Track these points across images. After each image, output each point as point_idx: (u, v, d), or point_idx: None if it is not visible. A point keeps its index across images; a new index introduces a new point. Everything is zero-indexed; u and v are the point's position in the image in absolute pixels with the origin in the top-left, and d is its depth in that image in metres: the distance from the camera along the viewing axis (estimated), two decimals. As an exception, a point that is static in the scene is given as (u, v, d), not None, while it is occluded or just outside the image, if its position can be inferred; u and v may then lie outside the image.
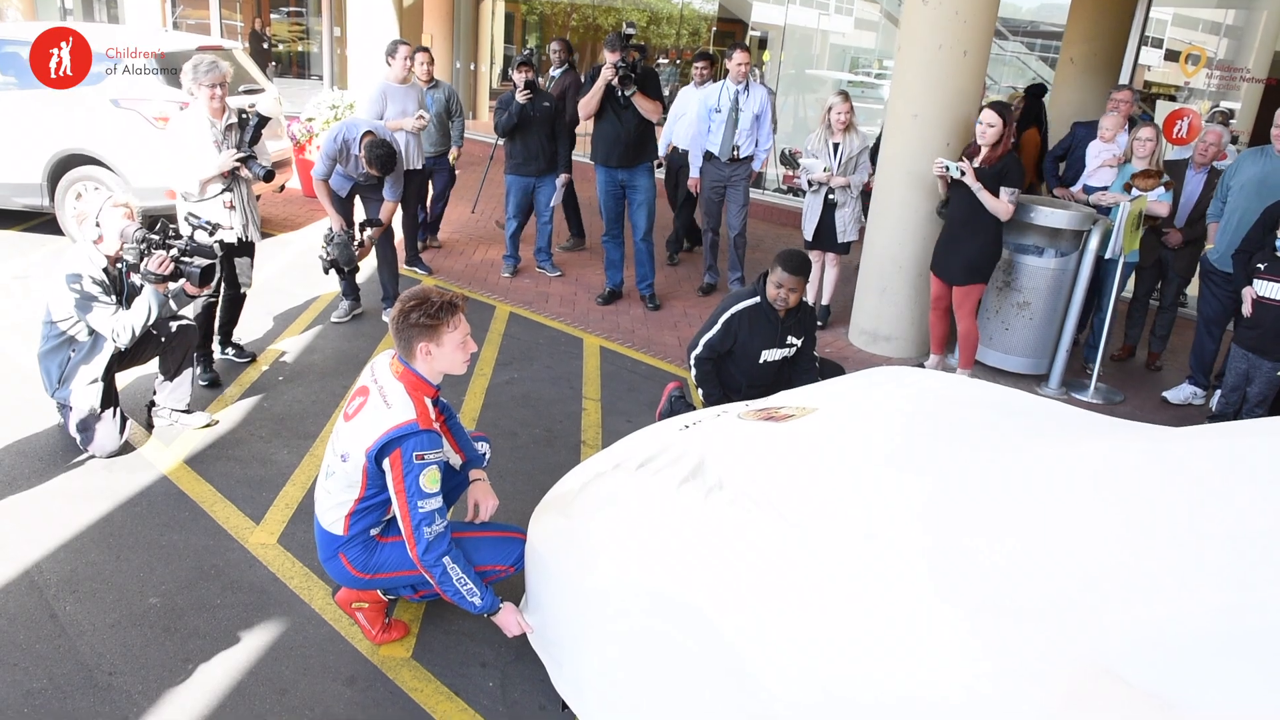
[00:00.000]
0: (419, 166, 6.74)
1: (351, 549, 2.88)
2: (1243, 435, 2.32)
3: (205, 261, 3.99)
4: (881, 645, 1.99)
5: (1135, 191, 5.39)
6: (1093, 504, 2.16)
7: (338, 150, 5.49)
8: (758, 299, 4.17)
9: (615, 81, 5.94)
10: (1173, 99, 10.72)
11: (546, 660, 2.78)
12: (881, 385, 3.36)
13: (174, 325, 4.22)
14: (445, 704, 2.81)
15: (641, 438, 3.20)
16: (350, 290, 5.96)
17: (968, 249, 5.32)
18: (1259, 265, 4.75)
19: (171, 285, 3.97)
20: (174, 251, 3.92)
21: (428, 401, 2.78)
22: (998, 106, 5.22)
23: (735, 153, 6.51)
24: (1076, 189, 6.11)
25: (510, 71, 6.91)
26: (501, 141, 6.84)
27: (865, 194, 6.20)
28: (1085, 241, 5.51)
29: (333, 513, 2.86)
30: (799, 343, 4.30)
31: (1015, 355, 5.82)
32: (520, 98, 6.39)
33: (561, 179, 6.88)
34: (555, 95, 6.87)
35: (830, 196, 6.03)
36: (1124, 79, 7.91)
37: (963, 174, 5.14)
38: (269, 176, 4.64)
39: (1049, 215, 5.45)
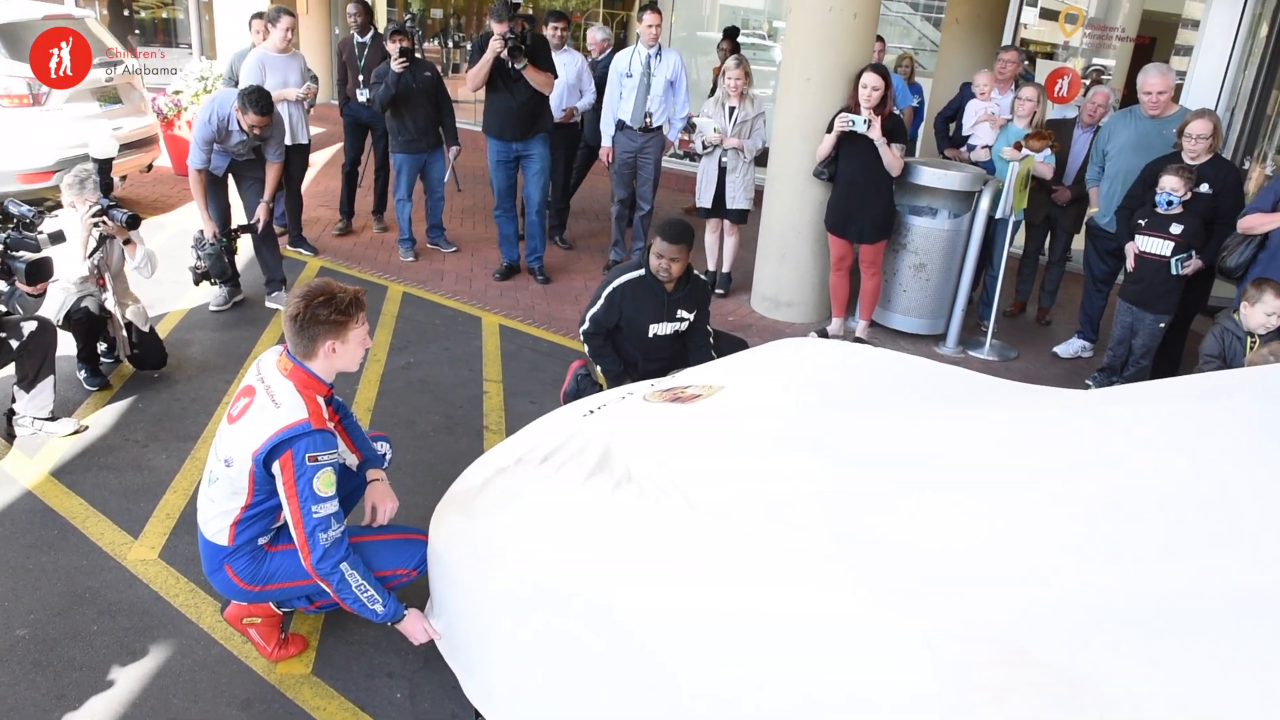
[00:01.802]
0: (305, 141, 6.39)
1: (238, 560, 2.70)
2: (1145, 400, 2.34)
3: (32, 256, 3.64)
4: (793, 634, 1.95)
5: (1025, 151, 5.49)
6: (1002, 478, 2.15)
7: (214, 132, 5.11)
8: (642, 271, 4.06)
9: (504, 54, 5.70)
10: (1050, 57, 11.03)
11: (455, 667, 2.65)
12: (787, 359, 3.32)
13: (27, 327, 3.87)
14: (350, 720, 2.67)
15: (544, 426, 3.08)
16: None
17: (875, 206, 5.39)
18: (1140, 221, 4.89)
19: (2, 285, 3.63)
20: None
21: (320, 400, 2.61)
22: (878, 69, 5.25)
23: (647, 121, 6.35)
24: (964, 149, 6.20)
25: (384, 42, 6.56)
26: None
27: None
28: (977, 202, 5.59)
29: (216, 522, 2.68)
30: (690, 317, 4.19)
31: (913, 316, 5.90)
32: (396, 67, 6.09)
33: (452, 152, 6.62)
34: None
35: (723, 160, 5.96)
36: (1007, 39, 8.05)
37: (869, 125, 5.15)
38: (134, 222, 4.20)
39: (942, 177, 5.51)
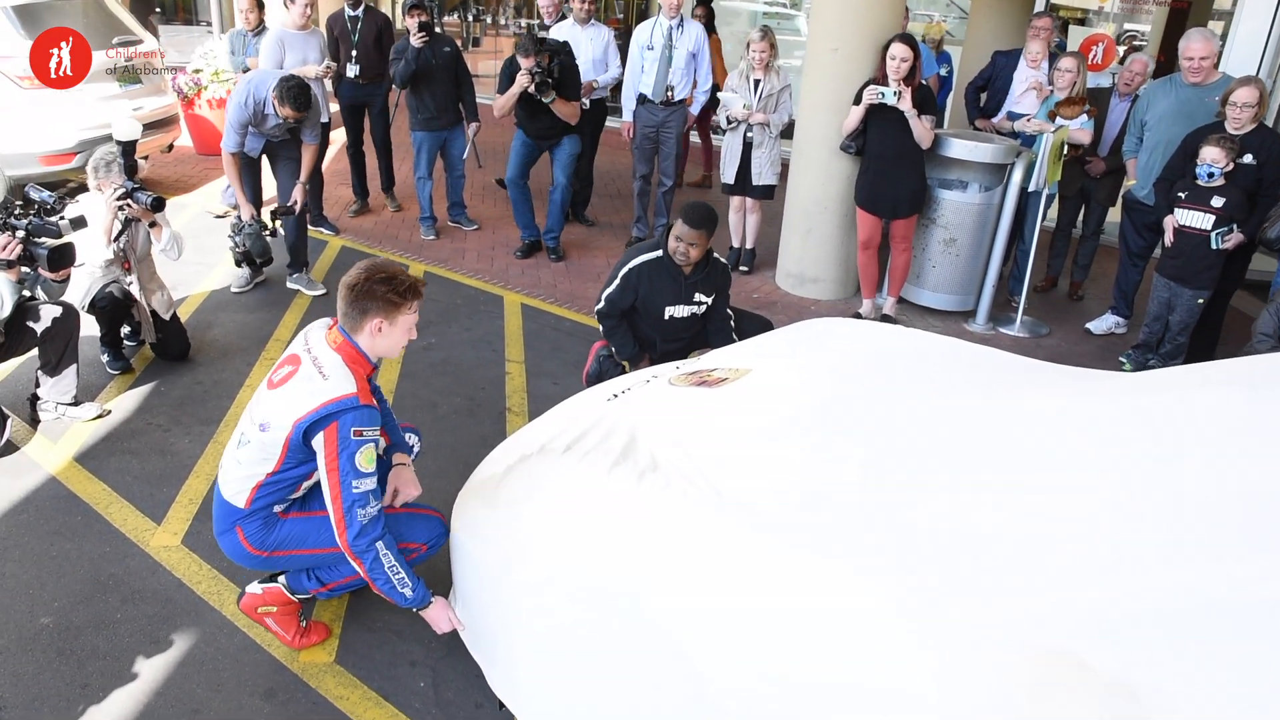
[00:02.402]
0: (326, 119, 6.32)
1: (251, 524, 2.66)
2: (1192, 386, 2.24)
3: (54, 242, 3.61)
4: (826, 630, 1.88)
5: (1059, 121, 5.33)
6: (1048, 470, 2.06)
7: (249, 115, 5.04)
8: (659, 252, 3.95)
9: (532, 89, 5.62)
10: (1082, 23, 10.74)
11: (479, 658, 2.62)
12: (813, 341, 3.23)
13: (50, 312, 3.85)
14: (374, 710, 2.64)
15: (568, 411, 3.02)
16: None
17: (909, 180, 5.28)
18: (1180, 194, 4.74)
19: (30, 270, 3.61)
20: (20, 234, 3.54)
21: (364, 376, 2.57)
22: (906, 39, 5.11)
23: (669, 94, 6.23)
24: (999, 119, 6.03)
25: (403, 16, 6.44)
26: (402, 93, 6.45)
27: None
28: (1009, 175, 5.44)
29: (238, 484, 2.62)
30: (709, 300, 4.08)
31: (943, 293, 5.78)
32: (416, 42, 5.99)
33: (472, 128, 6.54)
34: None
35: (749, 135, 5.84)
36: (1040, 4, 7.82)
37: (899, 96, 5.02)
38: (159, 205, 4.16)
39: (973, 149, 5.36)
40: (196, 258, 5.68)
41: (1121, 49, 7.89)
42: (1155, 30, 10.56)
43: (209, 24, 13.14)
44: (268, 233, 5.29)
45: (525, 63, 5.60)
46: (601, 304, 4.04)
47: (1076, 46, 7.26)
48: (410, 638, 2.90)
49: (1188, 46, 5.00)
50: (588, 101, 6.49)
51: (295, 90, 4.94)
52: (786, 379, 2.85)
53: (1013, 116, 5.83)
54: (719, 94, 5.98)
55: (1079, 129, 5.39)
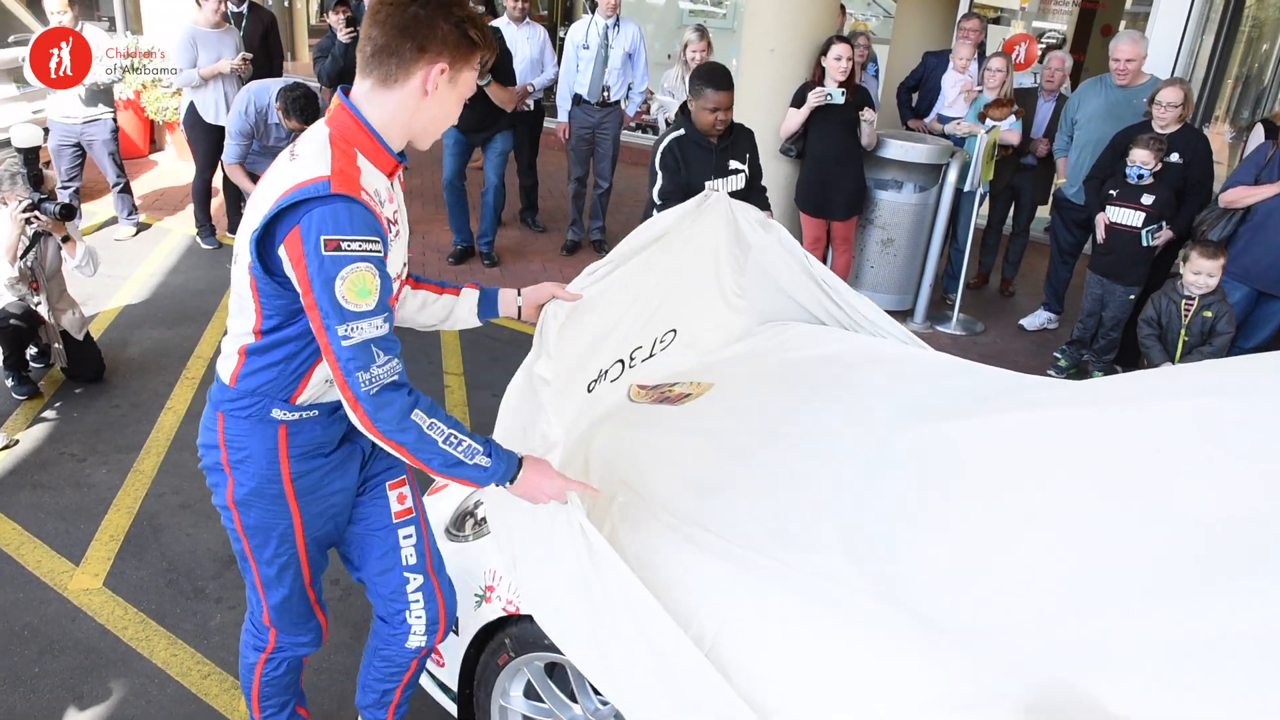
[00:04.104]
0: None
1: (234, 415, 1.80)
2: (1154, 398, 2.23)
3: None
4: (815, 674, 1.80)
5: (990, 122, 5.38)
6: (1031, 488, 2.02)
7: (251, 125, 4.70)
8: (681, 130, 3.83)
9: None
10: (997, 22, 10.97)
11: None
12: (776, 351, 3.15)
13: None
14: (325, 759, 2.48)
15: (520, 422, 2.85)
16: None
17: (849, 182, 5.27)
18: (1111, 192, 4.83)
19: None
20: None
21: (363, 163, 1.66)
22: (846, 39, 5.11)
23: (605, 95, 6.10)
24: (930, 120, 6.08)
25: (326, 10, 6.20)
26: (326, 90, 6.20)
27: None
28: (944, 175, 5.48)
29: (226, 347, 1.83)
30: (744, 167, 3.95)
31: (881, 293, 5.79)
32: (344, 37, 5.76)
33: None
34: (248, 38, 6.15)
35: (688, 138, 5.76)
36: (964, 6, 7.93)
37: (845, 95, 5.00)
38: (68, 212, 3.88)
39: (909, 150, 5.39)
40: (106, 269, 5.34)
41: (1042, 48, 8.06)
42: (1069, 29, 10.86)
43: (109, 20, 12.52)
44: None
45: None
46: (657, 201, 3.85)
47: (999, 47, 7.38)
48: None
49: (1116, 48, 5.10)
50: (531, 103, 6.34)
51: (300, 100, 4.57)
52: (750, 394, 2.77)
53: (943, 119, 5.88)
54: (656, 96, 5.89)
55: (1008, 130, 5.46)
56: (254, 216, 1.62)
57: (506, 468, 1.77)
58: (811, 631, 1.79)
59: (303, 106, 4.55)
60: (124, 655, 2.77)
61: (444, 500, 2.52)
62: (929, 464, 2.22)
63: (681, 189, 3.76)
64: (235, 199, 6.32)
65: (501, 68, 5.62)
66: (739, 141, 3.93)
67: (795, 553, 1.98)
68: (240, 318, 1.75)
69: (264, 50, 6.34)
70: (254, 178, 4.97)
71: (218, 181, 6.16)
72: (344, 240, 1.55)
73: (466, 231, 6.22)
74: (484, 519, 2.29)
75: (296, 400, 1.82)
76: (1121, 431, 2.05)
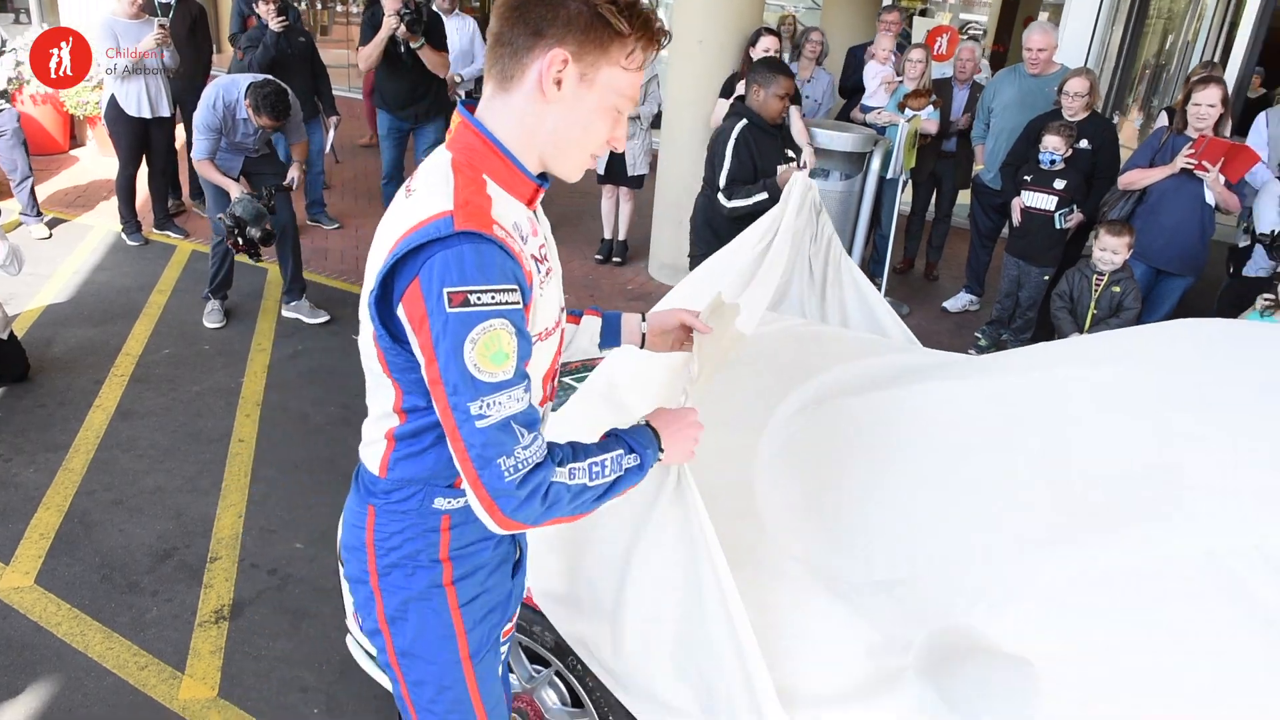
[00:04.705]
0: (168, 113, 5.91)
1: (387, 511, 1.47)
2: (1036, 368, 2.36)
3: None
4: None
5: (909, 111, 5.55)
6: (936, 451, 2.14)
7: (220, 120, 4.57)
8: (744, 120, 3.98)
9: (400, 32, 5.41)
10: (924, 14, 11.26)
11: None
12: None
13: None
14: (265, 743, 2.52)
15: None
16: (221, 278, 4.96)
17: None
18: (1025, 177, 5.02)
19: None
20: None
21: (496, 190, 1.32)
22: (773, 31, 5.24)
23: None
24: (854, 111, 6.24)
25: (256, 4, 6.10)
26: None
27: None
28: (868, 162, 5.64)
29: (369, 433, 1.49)
30: (793, 155, 4.17)
31: (811, 278, 5.94)
32: (275, 26, 5.69)
33: (332, 120, 6.28)
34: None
35: (620, 128, 5.84)
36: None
37: None
38: None
39: (834, 139, 5.52)
40: (29, 268, 5.23)
41: (965, 39, 8.29)
42: (991, 21, 11.19)
43: (25, 13, 12.13)
44: (265, 199, 4.66)
45: (391, 4, 5.40)
46: (722, 184, 3.96)
47: (922, 38, 7.59)
48: (299, 662, 2.76)
49: (1029, 39, 5.30)
50: (462, 93, 6.35)
51: (271, 97, 4.45)
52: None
53: (865, 109, 6.05)
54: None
55: (927, 119, 5.64)
56: (370, 273, 1.32)
57: (650, 444, 1.47)
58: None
59: (274, 103, 4.47)
60: (58, 650, 2.76)
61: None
62: (841, 432, 2.33)
63: (748, 173, 3.95)
64: (162, 195, 6.22)
65: (434, 30, 5.62)
66: (785, 130, 4.17)
67: (719, 520, 2.08)
68: (378, 397, 1.43)
69: (192, 43, 6.23)
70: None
71: (143, 177, 6.05)
72: (472, 292, 1.20)
73: (401, 224, 6.20)
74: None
75: (461, 484, 1.38)
76: (1023, 395, 2.19)
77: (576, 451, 1.36)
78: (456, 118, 1.37)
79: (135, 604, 2.97)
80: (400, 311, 1.26)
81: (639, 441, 1.45)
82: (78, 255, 5.80)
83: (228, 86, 4.56)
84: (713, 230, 4.09)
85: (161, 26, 5.65)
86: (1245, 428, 1.86)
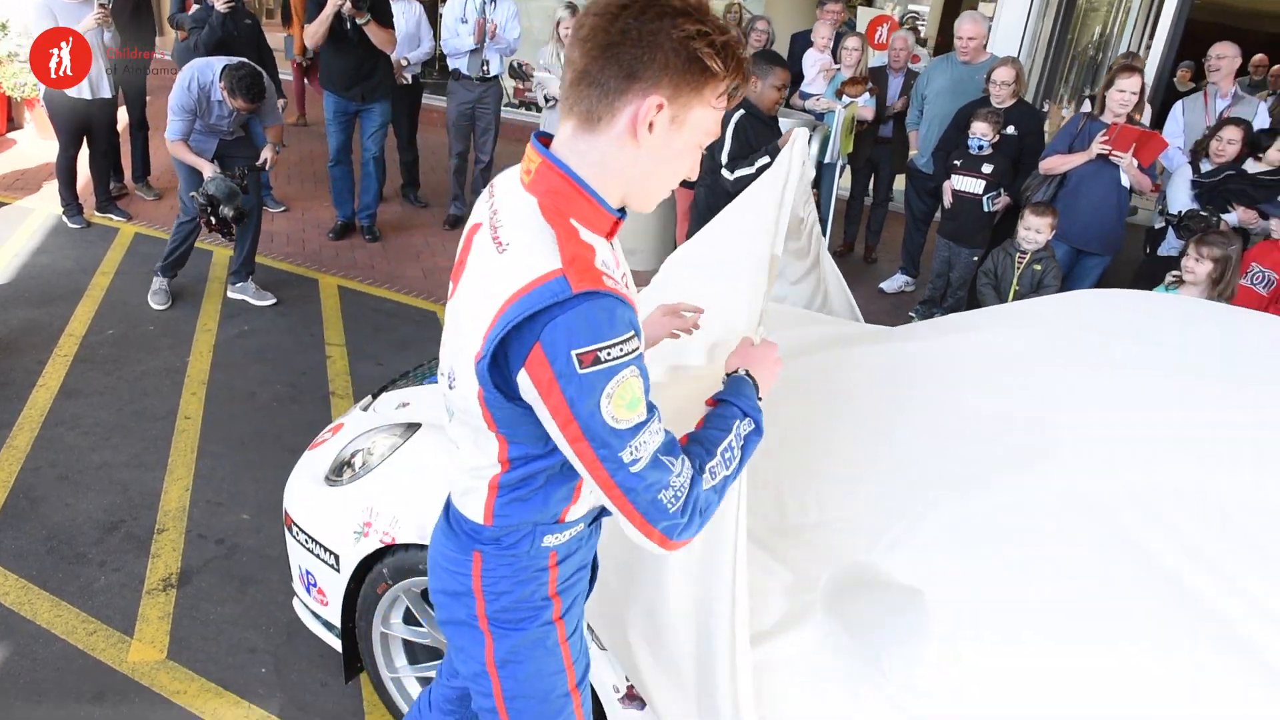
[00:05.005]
0: (109, 95, 5.86)
1: (501, 556, 1.46)
2: (954, 331, 2.54)
3: None
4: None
5: (846, 98, 5.73)
6: (845, 408, 2.30)
7: (194, 102, 4.54)
8: (742, 110, 4.09)
9: (345, 8, 5.43)
10: (869, 3, 11.46)
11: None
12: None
13: None
14: (214, 700, 2.59)
15: None
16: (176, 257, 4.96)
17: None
18: (955, 162, 5.23)
19: None
20: None
21: (590, 237, 1.28)
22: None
23: (485, 69, 6.18)
24: (793, 98, 6.40)
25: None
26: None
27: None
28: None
29: (466, 480, 1.47)
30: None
31: (752, 260, 6.10)
32: (221, 6, 5.67)
33: (280, 103, 6.27)
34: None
35: (566, 113, 5.93)
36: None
37: None
38: None
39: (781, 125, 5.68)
40: (-33, 249, 5.21)
41: (903, 29, 8.50)
42: (934, 12, 11.43)
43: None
44: (236, 177, 4.67)
45: None
46: (725, 161, 4.09)
47: (863, 28, 7.78)
48: (247, 625, 2.85)
49: (960, 27, 5.50)
50: (409, 76, 6.39)
51: (246, 79, 4.47)
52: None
53: (804, 95, 6.22)
54: (535, 73, 6.02)
55: (864, 105, 5.82)
56: (468, 331, 1.27)
57: (754, 398, 1.48)
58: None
59: (248, 85, 4.49)
60: (5, 619, 2.81)
61: (323, 452, 2.65)
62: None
63: (746, 154, 4.09)
64: (104, 177, 6.18)
65: (380, 8, 5.66)
66: (775, 123, 4.31)
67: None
68: (477, 450, 1.40)
69: (135, 24, 6.18)
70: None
71: (84, 160, 6.01)
72: (601, 349, 1.18)
73: (349, 207, 6.24)
74: (360, 465, 2.45)
75: (567, 517, 1.45)
76: (924, 358, 2.35)
77: (708, 446, 1.36)
78: (535, 157, 1.30)
79: (83, 574, 3.02)
80: (522, 377, 1.22)
81: (749, 403, 1.45)
82: (18, 238, 5.75)
83: (202, 69, 4.59)
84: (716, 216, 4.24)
85: (102, 6, 5.61)
86: (1125, 381, 2.04)
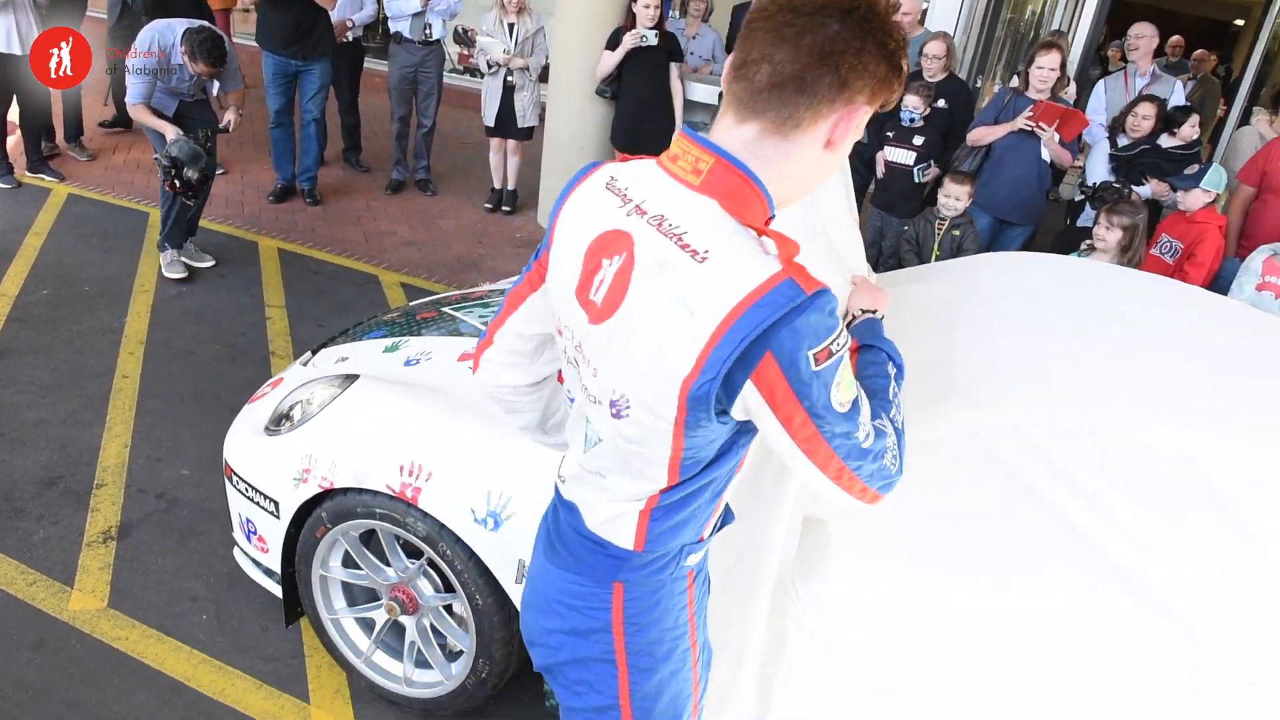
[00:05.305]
0: (19, 53, 5.72)
1: (646, 583, 1.39)
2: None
3: None
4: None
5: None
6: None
7: (155, 64, 4.48)
8: None
9: None
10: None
11: None
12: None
13: None
14: (156, 646, 2.65)
15: None
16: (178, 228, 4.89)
17: (661, 122, 5.64)
18: (887, 134, 5.37)
19: None
20: None
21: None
22: None
23: (427, 33, 6.15)
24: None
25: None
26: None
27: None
28: (746, 117, 5.93)
29: (608, 507, 1.35)
30: None
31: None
32: None
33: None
34: None
35: (509, 79, 5.96)
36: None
37: (658, 38, 5.33)
38: None
39: (714, 93, 5.79)
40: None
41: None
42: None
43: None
44: (201, 139, 4.65)
45: None
46: None
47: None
48: (188, 575, 2.91)
49: (896, 1, 5.63)
50: (350, 36, 6.35)
51: (207, 43, 4.43)
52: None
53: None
54: (478, 38, 6.02)
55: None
56: (661, 353, 1.16)
57: (879, 328, 1.52)
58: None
59: (210, 49, 4.46)
60: (-58, 570, 2.83)
61: (263, 404, 2.71)
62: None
63: None
64: (35, 136, 6.06)
65: None
66: None
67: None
68: (633, 477, 1.30)
69: (197, 13, 6.00)
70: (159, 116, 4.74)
71: (14, 116, 5.89)
72: (832, 343, 1.13)
73: (289, 169, 6.20)
74: (299, 416, 2.52)
75: (706, 533, 1.41)
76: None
77: (883, 398, 1.33)
78: (706, 156, 1.18)
79: (21, 528, 3.04)
80: (747, 388, 1.14)
81: (890, 345, 1.45)
82: (-55, 196, 5.63)
83: (163, 30, 4.55)
84: None
85: None
86: (1019, 334, 2.20)
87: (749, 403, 1.15)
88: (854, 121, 1.16)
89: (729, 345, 1.10)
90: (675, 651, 1.42)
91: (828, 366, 1.13)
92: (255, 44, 5.94)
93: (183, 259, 5.00)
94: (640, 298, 1.16)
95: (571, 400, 1.37)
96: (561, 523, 1.42)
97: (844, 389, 1.17)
